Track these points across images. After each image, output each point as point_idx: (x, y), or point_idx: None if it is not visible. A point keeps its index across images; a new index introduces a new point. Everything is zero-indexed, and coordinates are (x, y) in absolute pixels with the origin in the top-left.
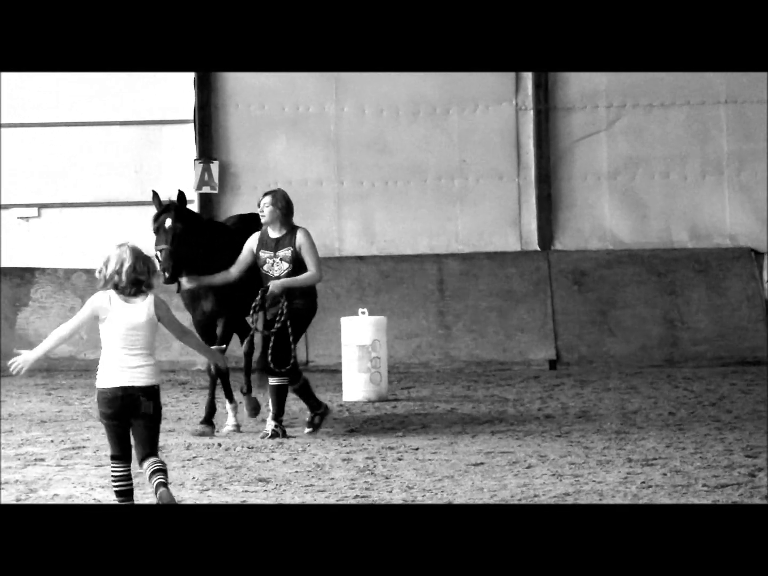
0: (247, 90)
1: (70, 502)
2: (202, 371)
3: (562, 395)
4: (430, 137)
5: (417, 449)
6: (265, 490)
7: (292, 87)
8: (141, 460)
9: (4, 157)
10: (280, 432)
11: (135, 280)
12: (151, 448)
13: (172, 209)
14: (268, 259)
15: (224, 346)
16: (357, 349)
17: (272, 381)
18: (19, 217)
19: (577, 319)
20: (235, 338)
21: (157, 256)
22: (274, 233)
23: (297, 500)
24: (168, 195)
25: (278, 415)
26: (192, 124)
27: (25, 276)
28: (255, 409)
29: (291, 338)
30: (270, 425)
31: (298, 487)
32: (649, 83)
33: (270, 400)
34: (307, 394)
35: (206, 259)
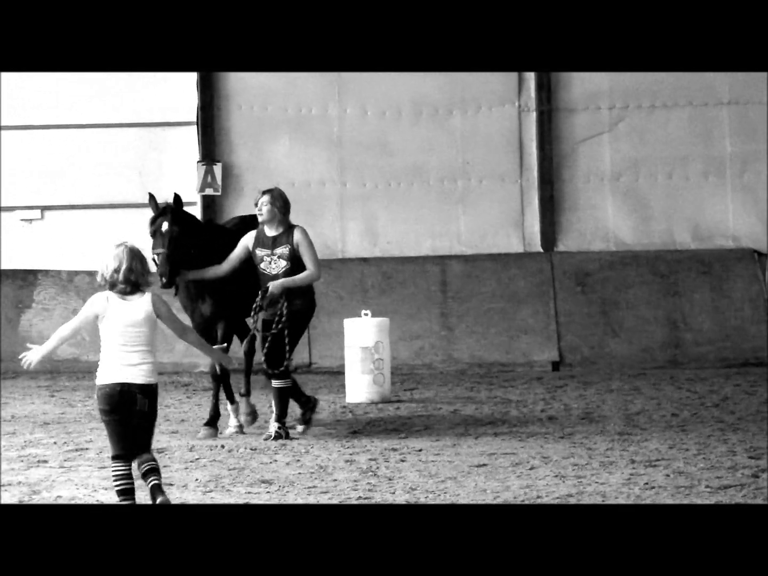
0: (249, 91)
1: (72, 503)
2: (205, 373)
3: (565, 396)
4: (433, 138)
5: (420, 451)
6: (268, 492)
7: (295, 88)
8: (133, 458)
9: (7, 159)
10: (283, 434)
11: (132, 278)
12: (143, 446)
13: (168, 212)
14: (265, 257)
15: (226, 345)
16: (360, 350)
17: (275, 383)
18: (21, 219)
19: (580, 321)
20: (236, 340)
21: (154, 260)
22: (271, 231)
23: (300, 502)
24: (167, 197)
25: (281, 417)
26: (195, 126)
27: (27, 278)
28: (251, 414)
29: (287, 340)
30: (273, 427)
31: (301, 488)
32: (651, 84)
33: (273, 402)
34: (296, 394)
35: (205, 261)
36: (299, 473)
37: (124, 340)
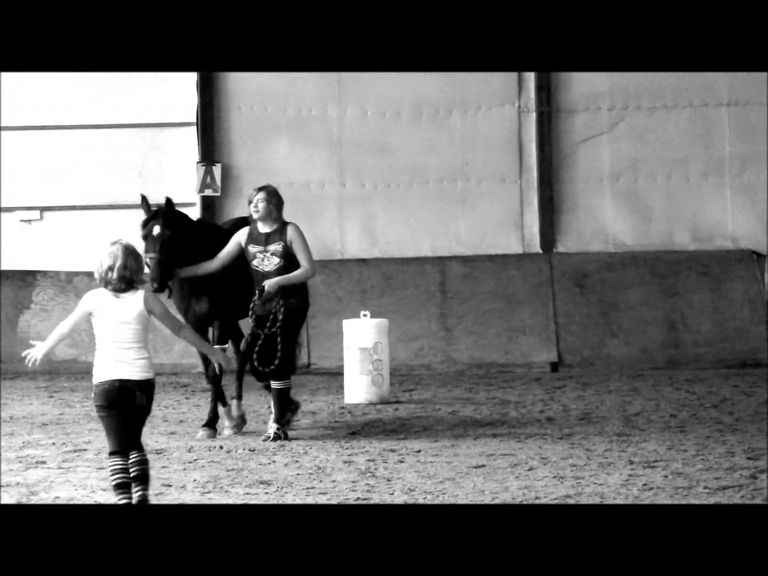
0: (249, 92)
1: (71, 504)
2: (203, 373)
3: (564, 397)
4: (433, 139)
5: (418, 452)
6: (267, 493)
7: (295, 89)
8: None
9: (6, 159)
10: (282, 435)
11: (127, 275)
12: (135, 441)
13: (160, 216)
14: (258, 254)
15: (226, 345)
16: (359, 351)
17: (274, 384)
18: (21, 220)
19: (578, 322)
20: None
21: (147, 264)
22: (264, 228)
23: (298, 502)
24: (166, 198)
25: (280, 418)
26: (194, 127)
27: (26, 279)
28: (240, 418)
29: (279, 339)
30: (272, 428)
31: (300, 489)
32: (651, 85)
33: (271, 403)
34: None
35: (200, 262)
36: (298, 474)
37: (117, 337)
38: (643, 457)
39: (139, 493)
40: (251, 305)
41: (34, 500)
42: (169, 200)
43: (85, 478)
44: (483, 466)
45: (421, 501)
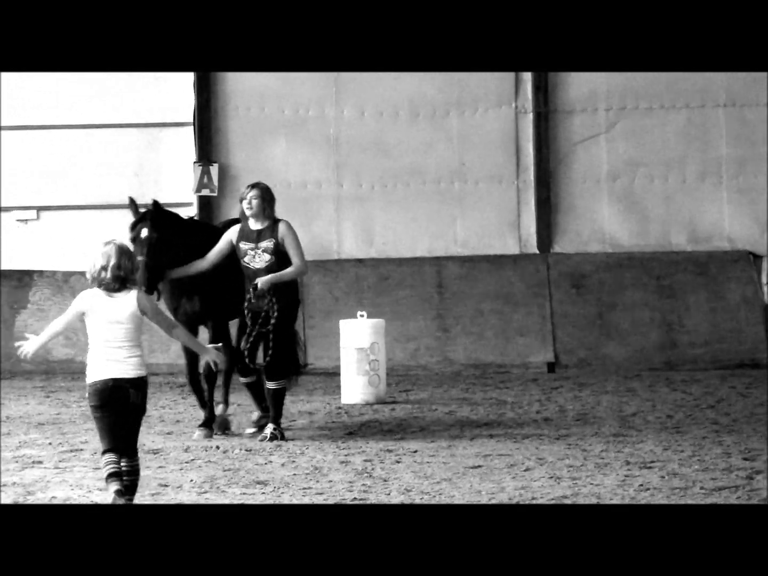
0: (246, 92)
1: (67, 504)
2: (200, 373)
3: (561, 398)
4: (430, 140)
5: (415, 452)
6: (263, 493)
7: (292, 89)
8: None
9: (3, 159)
10: (278, 435)
11: (121, 275)
12: (131, 445)
13: (147, 218)
14: (249, 251)
15: (220, 344)
16: (355, 351)
17: (270, 385)
18: (17, 220)
19: (575, 322)
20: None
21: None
22: (256, 225)
23: (295, 502)
24: (156, 200)
25: (276, 418)
26: (191, 127)
27: (23, 278)
28: (224, 422)
29: (271, 336)
30: (269, 428)
31: (296, 489)
32: (648, 86)
33: (268, 404)
34: (259, 397)
35: (193, 260)
36: (294, 474)
37: (109, 336)
38: (639, 458)
39: (117, 488)
40: (245, 303)
41: (31, 500)
42: (156, 203)
43: (81, 478)
44: (480, 466)
45: (417, 501)
